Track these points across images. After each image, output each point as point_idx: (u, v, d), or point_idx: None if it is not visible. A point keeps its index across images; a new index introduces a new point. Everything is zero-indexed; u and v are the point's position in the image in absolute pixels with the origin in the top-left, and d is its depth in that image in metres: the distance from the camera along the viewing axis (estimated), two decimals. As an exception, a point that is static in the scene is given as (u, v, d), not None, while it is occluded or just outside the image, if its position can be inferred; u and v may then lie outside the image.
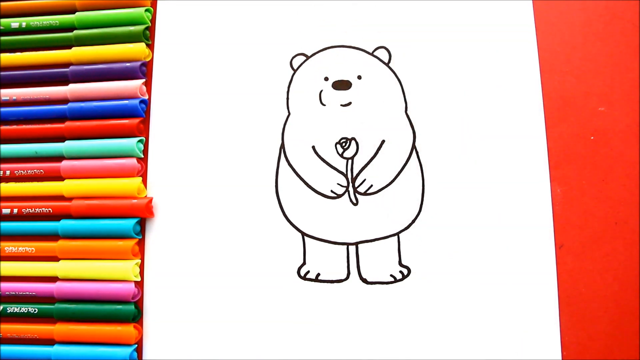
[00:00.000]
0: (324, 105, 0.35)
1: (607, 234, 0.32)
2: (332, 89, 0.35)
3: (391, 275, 0.33)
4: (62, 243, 0.35)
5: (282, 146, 0.35)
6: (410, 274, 0.32)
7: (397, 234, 0.33)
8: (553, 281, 0.31)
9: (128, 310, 0.33)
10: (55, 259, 0.35)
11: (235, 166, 0.35)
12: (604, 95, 0.33)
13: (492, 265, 0.32)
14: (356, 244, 0.33)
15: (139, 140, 0.36)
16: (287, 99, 0.36)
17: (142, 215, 0.35)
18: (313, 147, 0.35)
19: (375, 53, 0.36)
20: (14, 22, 0.39)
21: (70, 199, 0.35)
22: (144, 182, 0.36)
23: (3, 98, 0.38)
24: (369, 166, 0.34)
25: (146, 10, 0.38)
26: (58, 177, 0.36)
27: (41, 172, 0.36)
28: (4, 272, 0.35)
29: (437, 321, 0.32)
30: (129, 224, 0.34)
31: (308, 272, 0.33)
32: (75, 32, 0.38)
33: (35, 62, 0.38)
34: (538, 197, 0.32)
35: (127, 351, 0.33)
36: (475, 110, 0.34)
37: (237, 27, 0.37)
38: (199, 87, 0.37)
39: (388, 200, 0.33)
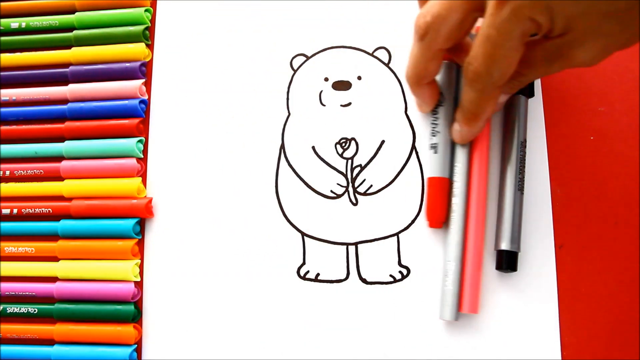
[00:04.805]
0: (324, 105, 0.35)
1: (607, 234, 0.32)
2: (332, 89, 0.35)
3: (391, 276, 0.32)
4: (61, 243, 0.35)
5: (282, 146, 0.35)
6: (410, 274, 0.32)
7: (397, 234, 0.33)
8: (553, 281, 0.31)
9: (128, 310, 0.33)
10: (55, 259, 0.35)
11: (235, 166, 0.35)
12: (604, 95, 0.33)
13: (491, 265, 0.32)
14: (356, 244, 0.33)
15: (139, 141, 0.36)
16: (287, 99, 0.36)
17: (141, 216, 0.35)
18: (313, 148, 0.35)
19: (375, 53, 0.36)
20: (14, 22, 0.39)
21: (70, 199, 0.35)
22: (144, 182, 0.36)
23: (3, 98, 0.38)
24: (368, 166, 0.34)
25: (146, 10, 0.38)
26: (58, 177, 0.36)
27: (41, 172, 0.36)
28: (4, 272, 0.35)
29: (437, 321, 0.32)
30: (128, 224, 0.34)
31: (308, 272, 0.33)
32: (75, 32, 0.38)
33: (35, 62, 0.38)
34: (538, 197, 0.32)
35: (126, 351, 0.33)
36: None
37: (237, 28, 0.37)
38: (199, 87, 0.37)
39: (388, 201, 0.33)
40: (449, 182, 0.32)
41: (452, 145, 0.32)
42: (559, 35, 0.25)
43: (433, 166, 0.32)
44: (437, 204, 0.32)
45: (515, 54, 0.25)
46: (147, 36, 0.38)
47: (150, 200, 0.35)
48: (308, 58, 0.36)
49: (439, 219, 0.32)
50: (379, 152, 0.34)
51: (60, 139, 0.36)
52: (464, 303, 0.30)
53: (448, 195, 0.32)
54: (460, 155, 0.32)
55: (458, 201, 0.31)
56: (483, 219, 0.31)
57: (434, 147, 0.32)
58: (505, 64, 0.26)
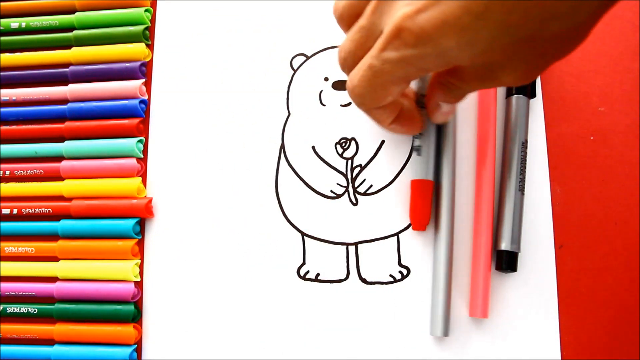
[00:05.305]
0: (324, 105, 0.35)
1: (607, 234, 0.32)
2: (332, 89, 0.35)
3: (391, 276, 0.33)
4: (61, 243, 0.35)
5: (282, 146, 0.35)
6: (410, 274, 0.32)
7: (397, 234, 0.33)
8: (553, 281, 0.31)
9: (128, 310, 0.33)
10: (55, 259, 0.35)
11: (235, 166, 0.35)
12: (604, 95, 0.33)
13: (492, 266, 0.32)
14: (356, 244, 0.33)
15: (139, 141, 0.36)
16: (287, 99, 0.36)
17: (141, 216, 0.35)
18: (313, 147, 0.35)
19: (375, 53, 0.36)
20: (14, 22, 0.39)
21: (70, 199, 0.35)
22: (144, 182, 0.36)
23: (3, 98, 0.38)
24: (368, 166, 0.34)
25: (146, 10, 0.38)
26: (58, 177, 0.36)
27: (41, 172, 0.36)
28: (4, 272, 0.35)
29: (437, 321, 0.32)
30: (128, 224, 0.34)
31: (308, 272, 0.33)
32: (75, 32, 0.38)
33: (35, 62, 0.38)
34: (538, 197, 0.32)
35: (126, 351, 0.33)
36: (475, 110, 0.34)
37: (237, 27, 0.37)
38: (199, 87, 0.37)
39: (388, 201, 0.33)
40: (432, 185, 0.32)
41: (437, 147, 0.32)
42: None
43: (416, 168, 0.32)
44: (419, 207, 0.31)
45: (393, 88, 0.24)
46: (147, 36, 0.38)
47: (150, 200, 0.35)
48: (308, 58, 0.36)
49: (422, 222, 0.32)
50: (379, 152, 0.34)
51: (60, 139, 0.36)
52: (475, 308, 0.30)
53: (432, 198, 0.32)
54: (447, 157, 0.32)
55: (445, 205, 0.31)
56: (491, 222, 0.31)
57: (417, 149, 0.32)
58: (380, 95, 0.24)
